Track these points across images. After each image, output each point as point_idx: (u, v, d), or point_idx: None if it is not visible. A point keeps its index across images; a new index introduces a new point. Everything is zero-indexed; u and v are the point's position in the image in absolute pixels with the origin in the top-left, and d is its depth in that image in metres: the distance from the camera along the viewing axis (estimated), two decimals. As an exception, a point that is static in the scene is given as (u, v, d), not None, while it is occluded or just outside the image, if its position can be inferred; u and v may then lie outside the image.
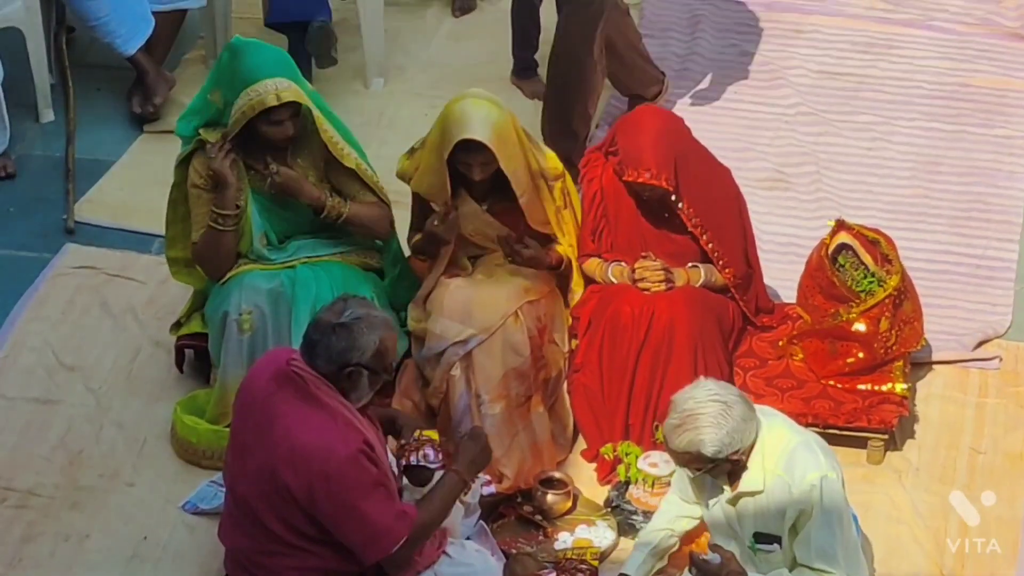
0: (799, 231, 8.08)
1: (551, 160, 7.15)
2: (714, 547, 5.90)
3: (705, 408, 5.77)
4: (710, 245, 7.14)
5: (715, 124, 8.75)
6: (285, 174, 7.01)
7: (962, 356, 7.56)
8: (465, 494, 6.54)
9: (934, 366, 7.51)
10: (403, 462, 6.40)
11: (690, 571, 5.92)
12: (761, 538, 5.94)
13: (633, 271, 7.13)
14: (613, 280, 7.14)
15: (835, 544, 5.90)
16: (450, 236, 7.05)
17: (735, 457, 5.81)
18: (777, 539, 5.92)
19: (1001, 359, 7.55)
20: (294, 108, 6.98)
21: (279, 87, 6.91)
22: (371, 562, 6.15)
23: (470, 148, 6.87)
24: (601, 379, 7.07)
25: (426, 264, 7.21)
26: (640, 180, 6.98)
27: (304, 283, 7.02)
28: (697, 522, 6.28)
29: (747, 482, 5.90)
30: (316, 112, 7.06)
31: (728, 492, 5.96)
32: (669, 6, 9.91)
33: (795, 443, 5.92)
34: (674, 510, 6.34)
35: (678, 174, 7.01)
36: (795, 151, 8.78)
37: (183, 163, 7.16)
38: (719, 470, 5.87)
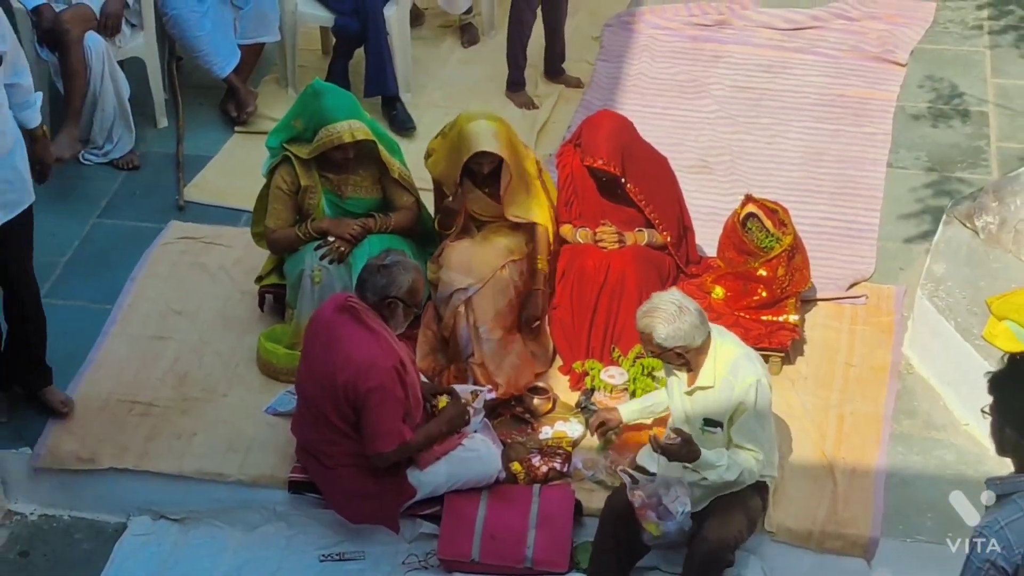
0: (718, 204, 8.00)
1: (532, 158, 7.18)
2: (676, 431, 5.92)
3: (664, 306, 5.82)
4: (653, 215, 7.10)
5: (656, 125, 8.67)
6: (347, 245, 6.98)
7: (838, 295, 7.52)
8: (473, 402, 6.55)
9: (818, 302, 7.46)
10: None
11: (655, 450, 5.94)
12: (709, 423, 5.94)
13: (595, 234, 7.11)
14: (580, 240, 7.11)
15: (759, 432, 5.95)
16: (458, 206, 7.01)
17: (679, 350, 5.83)
18: (720, 424, 5.93)
19: (867, 297, 7.51)
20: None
21: (353, 127, 6.88)
22: (366, 451, 6.15)
23: (483, 156, 6.86)
24: (572, 314, 7.03)
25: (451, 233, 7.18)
26: (595, 165, 6.96)
27: (360, 248, 6.97)
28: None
29: (702, 379, 5.92)
30: (379, 145, 7.03)
31: (685, 385, 5.98)
32: (623, 38, 9.84)
33: (739, 354, 5.96)
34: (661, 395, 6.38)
35: (625, 162, 6.98)
36: (715, 145, 8.72)
37: (271, 171, 7.13)
38: (667, 357, 5.90)
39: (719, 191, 8.28)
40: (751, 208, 7.10)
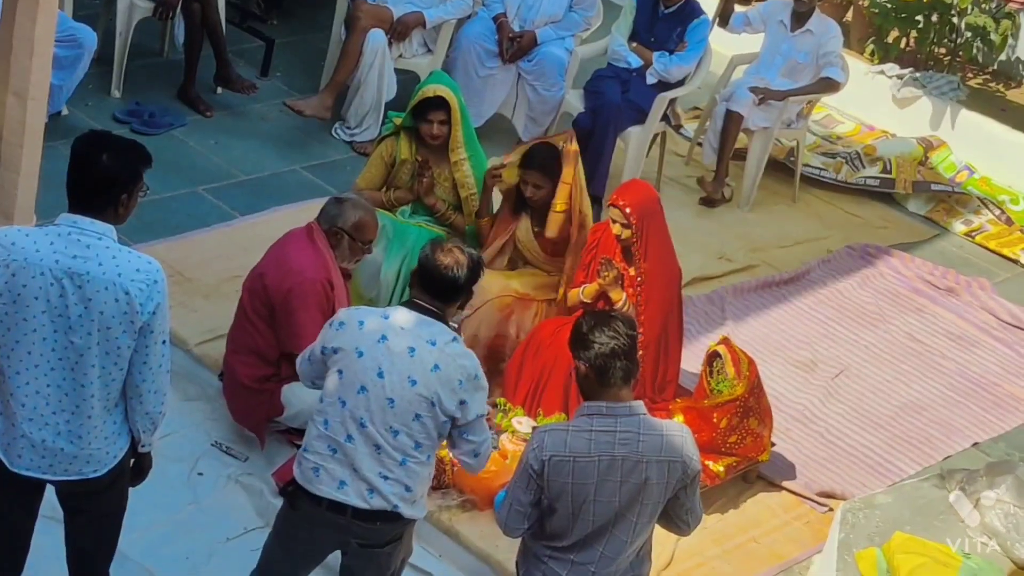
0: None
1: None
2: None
3: None
4: (638, 298, 7.18)
5: (808, 317, 8.94)
6: (429, 180, 7.70)
7: (805, 493, 7.37)
8: None
9: (782, 490, 7.35)
10: None
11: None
12: None
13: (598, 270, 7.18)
14: (584, 298, 7.21)
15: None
16: (491, 183, 7.54)
17: None
18: None
19: (831, 510, 7.21)
20: (445, 112, 7.54)
21: (438, 88, 7.56)
22: (283, 349, 6.59)
23: (533, 165, 7.35)
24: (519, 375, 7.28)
25: (486, 221, 7.65)
26: (612, 204, 7.16)
27: (401, 230, 7.63)
28: None
29: None
30: (456, 134, 7.63)
31: None
32: (853, 261, 9.82)
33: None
34: None
35: (643, 223, 7.11)
36: (837, 360, 8.65)
37: (382, 139, 7.92)
38: None
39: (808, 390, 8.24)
40: (721, 348, 7.11)
